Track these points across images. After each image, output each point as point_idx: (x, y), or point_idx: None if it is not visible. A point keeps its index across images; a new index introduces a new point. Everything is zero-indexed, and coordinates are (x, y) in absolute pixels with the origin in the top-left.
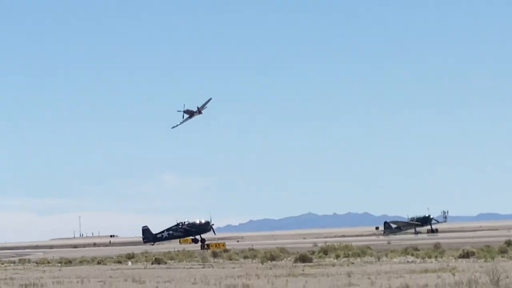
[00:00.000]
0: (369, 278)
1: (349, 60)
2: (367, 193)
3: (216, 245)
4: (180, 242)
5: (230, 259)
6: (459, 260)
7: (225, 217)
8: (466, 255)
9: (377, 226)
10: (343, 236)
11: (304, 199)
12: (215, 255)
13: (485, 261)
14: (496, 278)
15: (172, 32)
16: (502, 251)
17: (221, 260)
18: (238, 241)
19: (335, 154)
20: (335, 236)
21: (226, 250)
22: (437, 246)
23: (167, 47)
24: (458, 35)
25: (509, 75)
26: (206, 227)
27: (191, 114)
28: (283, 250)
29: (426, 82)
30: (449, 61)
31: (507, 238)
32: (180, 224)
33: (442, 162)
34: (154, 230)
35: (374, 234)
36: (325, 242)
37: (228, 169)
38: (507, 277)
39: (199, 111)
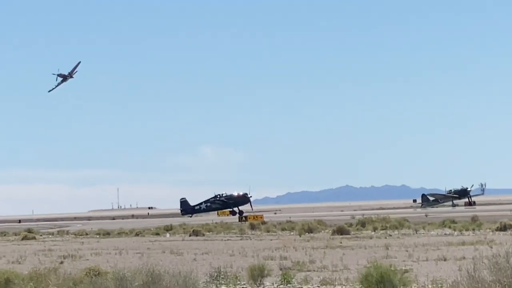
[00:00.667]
0: (407, 251)
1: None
2: (405, 165)
3: (254, 217)
4: (218, 214)
5: (268, 231)
6: (497, 233)
7: (263, 189)
8: (503, 228)
9: (414, 198)
10: (381, 208)
11: (342, 172)
12: (253, 227)
13: None
14: None
15: None
16: None
17: (258, 232)
18: (275, 213)
19: (373, 127)
20: (372, 209)
21: (264, 222)
22: (474, 219)
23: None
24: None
25: None
26: (244, 199)
27: (64, 77)
28: (320, 222)
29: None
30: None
31: None
32: (218, 196)
33: (481, 135)
34: (192, 202)
35: (411, 207)
36: (363, 214)
37: (266, 142)
38: None
39: (70, 75)
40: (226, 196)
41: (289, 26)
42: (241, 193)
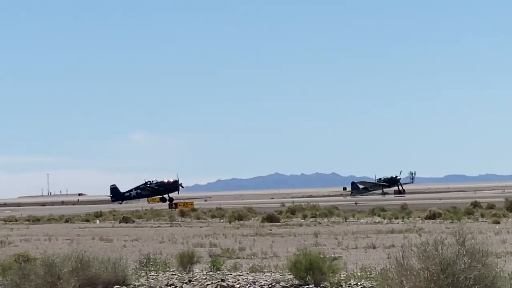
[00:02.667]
0: (336, 238)
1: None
2: (335, 153)
3: (184, 204)
4: (148, 201)
5: (198, 218)
6: (426, 221)
7: (193, 176)
8: (432, 216)
9: (344, 186)
10: (311, 196)
11: (272, 160)
12: (182, 214)
13: (451, 222)
14: (462, 239)
15: None
16: (468, 213)
17: (188, 219)
18: (206, 200)
19: (303, 115)
20: (302, 197)
21: (194, 209)
22: (404, 207)
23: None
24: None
25: None
26: (174, 186)
27: None
28: (250, 209)
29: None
30: None
31: (473, 200)
32: (148, 183)
33: (411, 124)
34: (123, 189)
35: (341, 195)
36: (293, 202)
37: (197, 129)
38: (473, 238)
39: None
40: (157, 183)
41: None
42: (171, 180)
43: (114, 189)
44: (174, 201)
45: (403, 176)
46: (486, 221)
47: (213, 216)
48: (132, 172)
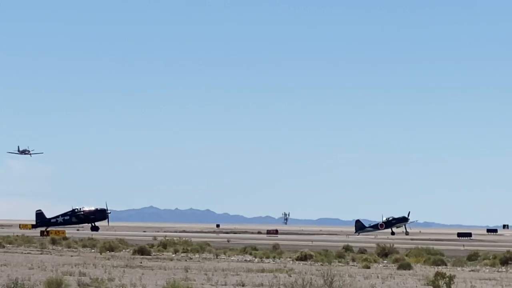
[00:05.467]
0: (206, 274)
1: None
2: (210, 190)
3: (55, 232)
4: (20, 227)
5: (69, 247)
6: (297, 262)
7: (68, 204)
8: (304, 257)
9: (218, 223)
10: (184, 231)
11: (147, 193)
12: (54, 242)
13: (322, 264)
14: (329, 280)
15: None
16: (340, 256)
17: (59, 247)
18: (78, 230)
19: (176, 150)
20: (175, 231)
21: (65, 238)
22: (275, 247)
23: None
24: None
25: None
26: (102, 214)
27: None
28: (122, 241)
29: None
30: None
31: (345, 244)
32: (76, 210)
33: (285, 165)
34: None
35: (214, 232)
36: (165, 236)
37: (73, 158)
38: (341, 280)
39: None
40: (84, 210)
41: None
42: (99, 208)
43: (39, 214)
44: (47, 229)
45: (277, 217)
46: (356, 265)
47: (84, 246)
48: (8, 197)
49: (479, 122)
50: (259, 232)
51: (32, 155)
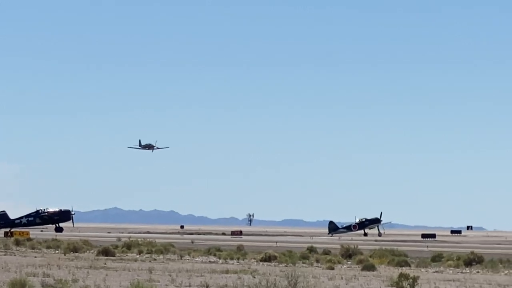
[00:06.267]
0: (170, 275)
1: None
2: (174, 191)
3: (19, 233)
4: None
5: (33, 248)
6: (261, 263)
7: (32, 206)
8: (268, 258)
9: (182, 225)
10: (148, 232)
11: (111, 194)
12: (18, 243)
13: (286, 265)
14: (293, 281)
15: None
16: (304, 257)
17: (23, 249)
18: (42, 231)
19: (141, 150)
20: (140, 232)
21: (29, 239)
22: (240, 248)
23: None
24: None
25: None
26: (66, 215)
27: None
28: (86, 242)
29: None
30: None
31: (309, 245)
32: (40, 211)
33: (250, 166)
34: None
35: (178, 233)
36: (129, 237)
37: (37, 158)
38: (305, 281)
39: None
40: (48, 211)
41: None
42: (63, 209)
43: (3, 215)
44: (11, 230)
45: (242, 217)
46: (321, 267)
47: (48, 247)
48: None
49: (438, 124)
50: (224, 233)
51: None
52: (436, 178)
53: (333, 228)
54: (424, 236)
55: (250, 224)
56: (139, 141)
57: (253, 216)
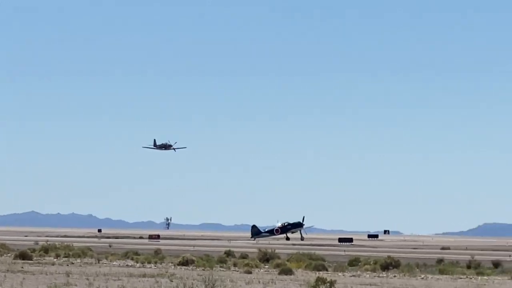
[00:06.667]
0: (88, 279)
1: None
2: (91, 195)
3: None
4: None
5: None
6: (178, 267)
7: None
8: (185, 262)
9: (99, 228)
10: (66, 236)
11: (28, 197)
12: None
13: (203, 269)
14: (211, 285)
15: None
16: (221, 261)
17: None
18: None
19: (59, 154)
20: (57, 236)
21: None
22: (157, 252)
23: None
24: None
25: None
26: None
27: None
28: (3, 246)
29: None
30: None
31: (227, 249)
32: None
33: (166, 170)
34: None
35: (96, 237)
36: (47, 241)
37: None
38: (222, 285)
39: None
40: None
41: None
42: None
43: None
44: None
45: (160, 220)
46: (238, 270)
47: None
48: None
49: (353, 131)
50: (141, 237)
51: None
52: (353, 182)
53: (255, 232)
54: (341, 240)
55: (168, 228)
56: (154, 140)
57: (171, 220)
